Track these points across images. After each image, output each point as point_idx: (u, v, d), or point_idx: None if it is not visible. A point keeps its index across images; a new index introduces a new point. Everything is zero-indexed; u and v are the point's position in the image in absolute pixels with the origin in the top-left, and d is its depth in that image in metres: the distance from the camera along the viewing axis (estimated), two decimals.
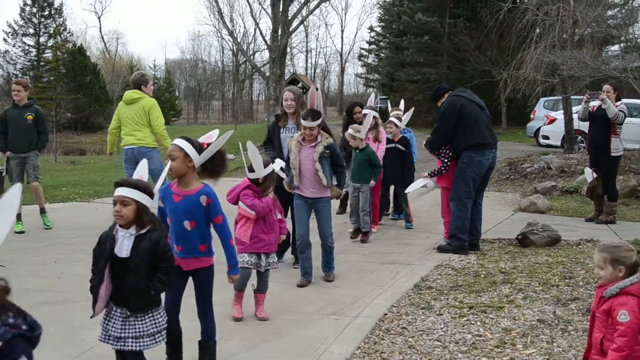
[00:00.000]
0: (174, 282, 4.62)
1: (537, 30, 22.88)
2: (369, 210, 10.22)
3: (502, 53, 32.14)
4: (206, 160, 4.87)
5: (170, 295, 4.99)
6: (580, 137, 22.27)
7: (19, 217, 10.80)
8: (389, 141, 11.29)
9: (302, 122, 7.63)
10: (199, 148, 4.86)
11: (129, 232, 4.30)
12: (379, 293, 7.37)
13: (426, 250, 9.59)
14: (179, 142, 4.82)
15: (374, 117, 10.82)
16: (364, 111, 11.31)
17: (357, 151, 10.19)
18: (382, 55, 58.41)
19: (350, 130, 10.32)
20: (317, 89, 8.16)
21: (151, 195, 4.43)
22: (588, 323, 6.11)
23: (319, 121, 7.63)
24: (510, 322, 6.32)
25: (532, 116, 28.36)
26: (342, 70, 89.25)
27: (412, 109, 12.76)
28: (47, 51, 62.16)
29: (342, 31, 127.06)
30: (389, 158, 11.17)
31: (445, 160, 9.51)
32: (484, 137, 9.41)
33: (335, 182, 7.98)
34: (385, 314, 6.61)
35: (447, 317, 6.49)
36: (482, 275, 8.07)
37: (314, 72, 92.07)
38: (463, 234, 9.39)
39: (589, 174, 12.23)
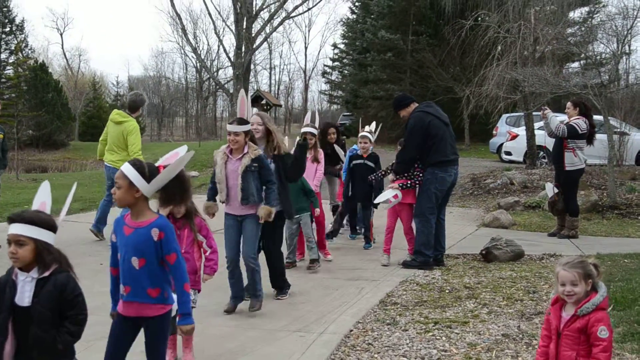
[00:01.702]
0: (116, 331, 4.32)
1: (499, 48, 23.10)
2: (313, 238, 9.55)
3: (464, 70, 32.48)
4: (160, 187, 4.30)
5: (110, 348, 4.37)
6: (542, 152, 22.50)
7: None
8: (357, 157, 11.03)
9: (227, 126, 7.05)
10: (150, 174, 4.24)
11: (29, 276, 3.75)
12: (344, 309, 7.36)
13: (391, 267, 9.59)
14: (125, 168, 4.26)
15: (313, 135, 10.20)
16: (304, 129, 10.32)
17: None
18: (346, 72, 58.73)
19: (364, 132, 11.06)
20: (245, 95, 7.52)
21: (53, 228, 3.90)
22: None
23: (246, 127, 7.00)
24: (476, 336, 6.34)
25: (494, 132, 28.62)
26: (306, 87, 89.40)
27: (380, 125, 12.63)
28: (8, 68, 61.43)
29: (306, 48, 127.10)
30: (358, 174, 10.85)
31: (417, 173, 9.53)
32: (448, 154, 9.47)
33: (266, 201, 7.10)
34: (351, 330, 6.60)
35: (412, 332, 6.49)
36: (447, 291, 8.09)
37: (278, 89, 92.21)
38: (427, 250, 9.42)
39: (550, 189, 12.36)
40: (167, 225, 4.30)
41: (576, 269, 4.06)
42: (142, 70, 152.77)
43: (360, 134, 11.24)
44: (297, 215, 9.22)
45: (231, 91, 32.01)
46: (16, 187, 22.63)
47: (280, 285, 8.05)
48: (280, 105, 74.74)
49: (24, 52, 61.11)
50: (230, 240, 7.22)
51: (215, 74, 70.71)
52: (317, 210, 9.65)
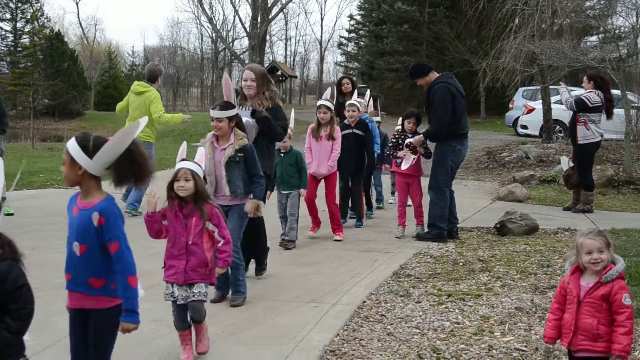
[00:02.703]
0: (70, 324, 4.00)
1: (517, 20, 22.90)
2: (297, 217, 9.10)
3: (481, 42, 32.18)
4: (111, 164, 3.84)
5: (70, 343, 4.07)
6: (558, 126, 22.37)
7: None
8: (345, 127, 10.18)
9: (210, 111, 6.48)
10: (95, 149, 3.79)
11: None
12: (357, 281, 7.37)
13: (405, 239, 9.60)
14: (69, 143, 3.86)
15: (328, 109, 9.54)
16: (319, 102, 9.79)
17: (282, 154, 8.95)
18: (362, 43, 58.49)
19: (352, 100, 10.40)
20: (229, 76, 6.89)
21: None
22: None
23: (230, 112, 6.39)
24: (489, 309, 6.35)
25: (510, 106, 28.45)
26: (322, 58, 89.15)
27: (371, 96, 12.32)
28: (24, 37, 61.49)
29: (322, 19, 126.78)
30: (346, 145, 9.90)
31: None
32: (464, 127, 9.49)
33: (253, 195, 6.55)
34: (364, 302, 6.61)
35: (425, 304, 6.50)
36: (461, 264, 8.09)
37: (294, 60, 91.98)
38: (442, 222, 9.41)
39: (565, 163, 12.35)
40: (111, 209, 3.84)
41: (600, 237, 4.06)
42: (157, 40, 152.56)
43: (347, 102, 10.44)
44: (287, 192, 9.02)
45: (247, 62, 31.92)
46: (32, 155, 22.79)
47: (259, 255, 7.58)
48: (296, 77, 74.59)
49: (39, 21, 61.08)
50: None
51: (231, 44, 70.50)
52: (303, 191, 9.09)
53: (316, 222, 9.84)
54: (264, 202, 6.71)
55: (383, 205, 12.34)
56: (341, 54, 70.06)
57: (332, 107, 9.69)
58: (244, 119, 6.77)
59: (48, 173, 16.36)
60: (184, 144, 5.49)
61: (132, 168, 3.86)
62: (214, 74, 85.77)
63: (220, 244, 5.20)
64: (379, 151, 11.02)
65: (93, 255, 3.84)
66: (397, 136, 9.82)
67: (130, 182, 3.97)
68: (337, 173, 9.84)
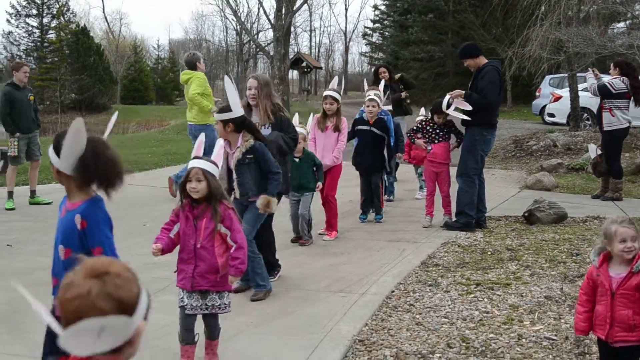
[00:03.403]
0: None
1: (543, 8, 22.69)
2: (309, 218, 8.91)
3: (507, 31, 31.96)
4: (77, 165, 3.55)
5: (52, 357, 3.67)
6: (586, 114, 22.19)
7: (10, 194, 11.09)
8: (362, 122, 9.90)
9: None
10: (60, 146, 3.57)
11: None
12: (385, 270, 7.37)
13: (432, 228, 9.58)
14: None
15: (335, 100, 9.16)
16: (326, 92, 9.46)
17: (297, 159, 8.56)
18: (387, 33, 58.12)
19: (371, 94, 9.95)
20: (231, 81, 6.36)
21: None
22: None
23: (227, 115, 6.13)
24: (518, 298, 6.32)
25: (537, 94, 28.22)
26: (347, 49, 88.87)
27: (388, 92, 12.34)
28: (50, 32, 62.01)
29: (346, 10, 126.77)
30: (362, 142, 9.86)
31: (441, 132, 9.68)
32: (497, 117, 9.55)
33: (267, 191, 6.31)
34: (393, 291, 6.62)
35: (454, 294, 6.49)
36: (489, 253, 8.06)
37: (318, 51, 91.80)
38: (471, 210, 9.38)
39: (593, 150, 12.27)
40: (93, 212, 3.59)
41: (632, 225, 4.04)
42: (182, 33, 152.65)
43: (367, 97, 10.00)
44: (299, 193, 8.71)
45: (271, 53, 31.89)
46: None
47: (271, 262, 7.25)
48: (321, 68, 74.45)
49: (65, 16, 61.60)
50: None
51: (256, 36, 70.45)
52: (319, 184, 8.80)
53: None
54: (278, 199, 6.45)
55: (393, 197, 12.02)
56: (366, 45, 69.56)
57: (339, 98, 9.30)
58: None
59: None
60: (202, 138, 5.23)
61: (95, 169, 3.55)
62: (239, 66, 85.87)
63: (232, 250, 4.80)
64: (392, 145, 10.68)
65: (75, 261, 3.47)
66: (423, 124, 9.80)
67: (93, 183, 3.62)
68: (341, 166, 9.35)
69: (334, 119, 9.17)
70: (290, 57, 43.35)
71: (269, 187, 6.27)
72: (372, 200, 10.18)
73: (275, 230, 7.49)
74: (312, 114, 9.78)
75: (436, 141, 9.63)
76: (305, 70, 55.35)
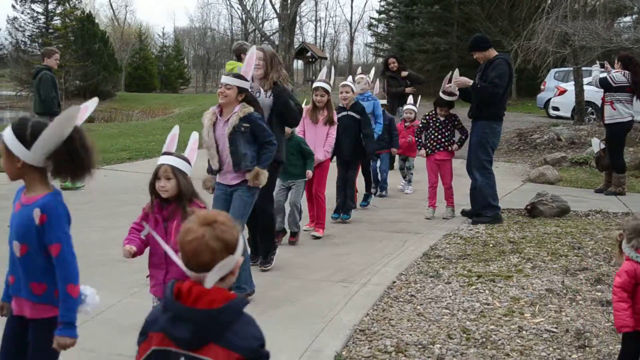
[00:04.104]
0: (5, 329, 3.54)
1: (549, 0, 22.66)
2: (300, 207, 8.52)
3: (513, 23, 31.87)
4: (50, 154, 3.32)
5: (3, 351, 3.57)
6: (590, 108, 22.17)
7: None
8: (340, 109, 9.36)
9: (222, 77, 6.11)
10: (33, 137, 3.29)
11: None
12: (387, 261, 7.39)
13: (435, 220, 9.59)
14: (5, 131, 3.37)
15: (326, 92, 8.80)
16: (316, 84, 9.01)
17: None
18: (392, 24, 57.98)
19: (346, 81, 9.62)
20: (254, 47, 6.41)
21: None
22: (597, 293, 6.15)
23: (241, 82, 5.98)
24: (519, 291, 6.34)
25: (542, 87, 28.18)
26: (352, 39, 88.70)
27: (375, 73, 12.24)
28: (55, 18, 61.83)
29: (352, 0, 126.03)
30: (342, 128, 9.14)
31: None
32: (505, 109, 9.56)
33: (258, 162, 6.11)
34: (394, 282, 6.63)
35: (455, 285, 6.50)
36: (491, 245, 8.07)
37: (323, 41, 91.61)
38: (495, 201, 9.44)
39: (596, 144, 12.28)
40: (54, 206, 3.37)
41: None
42: (187, 21, 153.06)
43: (341, 83, 9.59)
44: (289, 181, 8.42)
45: (276, 43, 31.92)
46: None
47: (267, 249, 7.16)
48: (326, 58, 74.31)
49: (71, 2, 61.44)
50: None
51: (261, 25, 70.47)
52: (310, 172, 8.41)
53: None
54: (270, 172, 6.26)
55: (386, 193, 11.76)
56: (371, 35, 69.39)
57: (330, 89, 8.93)
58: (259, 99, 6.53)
59: None
60: (175, 130, 4.82)
61: (72, 159, 3.37)
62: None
63: None
64: (379, 132, 10.50)
65: (34, 258, 3.36)
66: (428, 119, 9.79)
67: (68, 173, 3.44)
68: (330, 161, 9.05)
69: (325, 111, 8.82)
70: (295, 46, 43.35)
71: (261, 157, 6.08)
72: (346, 193, 9.55)
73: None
74: (304, 102, 9.53)
75: (446, 147, 9.63)
76: (310, 60, 55.27)
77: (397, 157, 12.48)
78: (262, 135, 6.05)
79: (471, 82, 9.34)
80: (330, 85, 9.06)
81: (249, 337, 2.50)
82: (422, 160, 10.34)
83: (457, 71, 9.62)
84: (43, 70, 11.37)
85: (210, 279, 2.45)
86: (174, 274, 4.25)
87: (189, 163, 4.49)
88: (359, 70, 12.29)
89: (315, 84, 8.97)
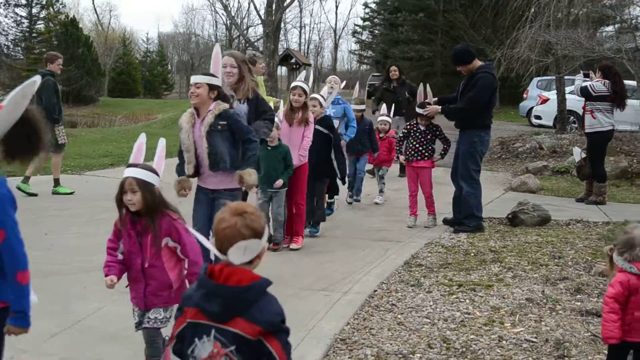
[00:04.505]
0: None
1: (532, 9, 22.76)
2: (283, 217, 8.40)
3: (496, 32, 32.05)
4: (4, 136, 3.19)
5: None
6: (573, 117, 22.29)
7: (57, 182, 11.63)
8: None
9: (191, 78, 5.89)
10: None
11: None
12: (369, 269, 7.39)
13: (416, 228, 9.61)
14: None
15: (303, 92, 8.46)
16: (294, 83, 8.70)
17: (269, 148, 8.02)
18: (376, 32, 58.29)
19: (314, 94, 9.20)
20: (220, 52, 6.21)
21: None
22: (577, 303, 6.18)
23: (210, 80, 5.78)
24: (499, 300, 6.36)
25: (525, 96, 28.33)
26: (336, 46, 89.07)
27: (343, 83, 12.01)
28: (39, 22, 61.64)
29: (337, 7, 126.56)
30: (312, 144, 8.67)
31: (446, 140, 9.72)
32: (491, 117, 9.56)
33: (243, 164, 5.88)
34: (375, 291, 6.64)
35: (436, 294, 6.51)
36: (472, 254, 8.09)
37: (308, 47, 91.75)
38: (479, 212, 9.45)
39: (577, 154, 12.35)
40: None
41: None
42: (172, 26, 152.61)
43: (310, 95, 8.96)
44: (272, 190, 8.18)
45: (261, 49, 31.91)
46: None
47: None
48: (310, 65, 74.43)
49: (55, 6, 61.27)
50: (197, 220, 6.04)
51: (246, 31, 70.42)
52: (280, 182, 8.10)
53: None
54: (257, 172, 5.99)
55: (360, 198, 11.71)
56: (355, 42, 69.76)
57: (308, 90, 8.65)
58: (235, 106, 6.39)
59: (62, 159, 16.39)
60: (142, 138, 4.62)
61: (26, 139, 3.26)
62: None
63: (186, 265, 4.31)
64: (352, 135, 10.58)
65: None
66: (408, 128, 9.80)
67: (22, 156, 3.32)
68: (307, 166, 8.66)
69: (301, 112, 8.46)
70: (280, 53, 43.35)
71: (245, 157, 5.85)
72: (314, 210, 9.10)
73: None
74: (281, 101, 9.49)
75: (424, 157, 9.62)
76: (294, 66, 55.30)
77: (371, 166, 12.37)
78: (240, 132, 5.86)
79: (439, 108, 9.41)
80: (308, 86, 8.84)
81: (271, 313, 2.82)
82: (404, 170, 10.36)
83: (422, 86, 9.78)
84: (47, 75, 11.31)
85: (234, 255, 2.78)
86: (153, 288, 4.26)
87: (156, 173, 4.34)
88: (357, 87, 12.52)
89: (293, 84, 8.68)
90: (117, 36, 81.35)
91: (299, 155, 8.41)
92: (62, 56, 12.34)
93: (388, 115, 12.21)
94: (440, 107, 9.43)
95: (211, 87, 5.76)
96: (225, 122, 5.73)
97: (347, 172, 10.11)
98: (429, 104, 9.54)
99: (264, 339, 2.76)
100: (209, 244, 2.92)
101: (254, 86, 6.91)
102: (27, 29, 62.54)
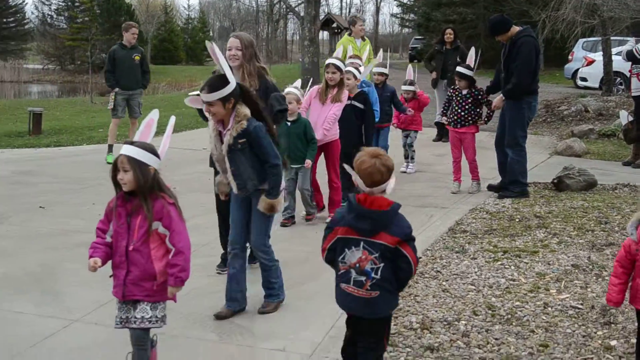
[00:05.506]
0: None
1: None
2: (311, 191, 8.22)
3: None
4: None
5: None
6: (619, 79, 21.94)
7: (110, 148, 11.92)
8: None
9: (200, 95, 5.14)
10: None
11: None
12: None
13: (460, 194, 9.58)
14: None
15: (338, 69, 8.24)
16: (329, 60, 8.47)
17: (289, 124, 7.77)
18: None
19: (348, 65, 8.75)
20: (212, 43, 5.34)
21: None
22: None
23: (222, 92, 4.98)
24: (545, 266, 6.34)
25: (570, 57, 27.94)
26: (377, 9, 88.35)
27: (377, 59, 11.52)
28: None
29: None
30: (344, 118, 8.45)
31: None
32: (538, 82, 9.44)
33: (267, 186, 5.26)
34: (420, 258, 6.63)
35: (481, 261, 6.51)
36: (517, 220, 8.06)
37: (349, 11, 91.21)
38: (524, 178, 9.40)
39: (624, 117, 12.19)
40: None
41: None
42: None
43: (346, 68, 8.58)
44: (296, 166, 7.96)
45: (302, 14, 31.74)
46: (90, 110, 23.16)
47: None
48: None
49: None
50: (233, 219, 5.52)
51: None
52: (309, 162, 7.98)
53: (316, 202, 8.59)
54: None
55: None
56: (397, 6, 68.95)
57: (343, 68, 8.37)
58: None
59: (107, 128, 16.54)
60: (153, 115, 4.44)
61: None
62: (269, 27, 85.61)
63: (171, 254, 4.03)
64: (377, 119, 9.29)
65: None
66: (451, 93, 9.74)
67: None
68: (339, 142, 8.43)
69: (336, 90, 8.27)
70: (321, 17, 43.12)
71: (269, 185, 5.23)
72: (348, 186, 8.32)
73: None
74: (309, 86, 9.13)
75: (467, 122, 9.58)
76: (336, 31, 55.00)
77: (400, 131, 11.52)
78: (261, 153, 5.17)
79: (502, 97, 9.29)
80: (344, 63, 8.57)
81: (404, 227, 3.83)
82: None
83: (472, 50, 9.67)
84: (116, 44, 12.38)
85: (389, 188, 3.88)
86: (134, 276, 3.97)
87: (154, 153, 4.13)
88: (380, 53, 12.12)
89: (328, 60, 8.46)
90: (159, 4, 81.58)
91: (323, 129, 8.15)
92: (136, 25, 12.81)
93: (413, 83, 11.32)
94: (502, 96, 9.28)
95: (225, 99, 5.01)
96: (244, 140, 5.07)
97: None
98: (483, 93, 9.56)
99: (399, 247, 3.76)
100: (355, 176, 3.81)
101: (261, 73, 6.24)
102: None
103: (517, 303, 5.45)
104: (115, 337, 4.49)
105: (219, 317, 5.29)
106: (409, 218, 3.96)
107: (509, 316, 5.20)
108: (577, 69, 25.93)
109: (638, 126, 11.71)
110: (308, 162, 7.96)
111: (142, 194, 3.97)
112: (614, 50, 21.10)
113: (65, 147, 13.41)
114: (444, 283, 5.95)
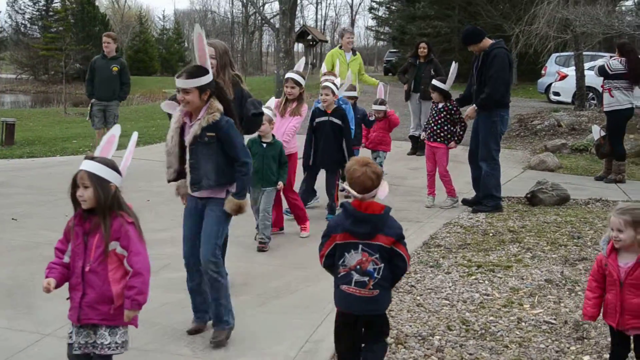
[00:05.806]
0: None
1: None
2: (270, 215, 7.73)
3: (514, 7, 31.76)
4: None
5: None
6: (592, 93, 22.14)
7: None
8: (321, 113, 8.74)
9: (176, 81, 4.86)
10: None
11: None
12: None
13: (434, 208, 9.60)
14: None
15: (296, 84, 8.33)
16: (288, 75, 8.51)
17: (264, 145, 7.63)
18: (393, 7, 57.86)
19: (326, 81, 8.82)
20: (202, 33, 5.00)
21: None
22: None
23: (201, 81, 4.79)
24: (518, 281, 6.37)
25: (543, 72, 28.14)
26: (353, 22, 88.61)
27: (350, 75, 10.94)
28: (55, 1, 61.80)
29: None
30: (323, 134, 8.66)
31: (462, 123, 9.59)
32: (509, 95, 9.51)
33: (234, 189, 4.99)
34: None
35: (455, 275, 6.53)
36: (491, 234, 8.10)
37: (324, 24, 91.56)
38: (498, 192, 9.44)
39: (596, 131, 12.30)
40: None
41: (624, 215, 4.02)
42: (188, 4, 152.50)
43: (322, 83, 8.88)
44: (262, 187, 7.69)
45: (277, 26, 31.77)
46: (64, 121, 22.97)
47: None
48: (326, 41, 74.18)
49: None
50: (186, 231, 5.17)
51: (262, 8, 70.25)
52: (281, 184, 7.80)
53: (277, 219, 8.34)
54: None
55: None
56: (372, 18, 69.33)
57: (302, 82, 8.40)
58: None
59: (81, 139, 16.49)
60: (114, 131, 4.30)
61: None
62: (244, 38, 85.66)
63: (129, 276, 3.82)
64: (352, 137, 9.18)
65: None
66: (431, 107, 9.80)
67: None
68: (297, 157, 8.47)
69: (295, 104, 8.35)
70: (296, 29, 43.21)
71: (237, 184, 4.97)
72: (330, 196, 8.93)
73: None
74: (272, 98, 9.02)
75: (439, 137, 9.59)
76: (311, 43, 55.20)
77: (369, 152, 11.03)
78: (231, 149, 4.92)
79: (475, 107, 9.34)
80: (304, 78, 8.49)
81: (396, 227, 4.13)
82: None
83: (454, 65, 9.69)
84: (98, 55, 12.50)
85: (382, 193, 4.15)
86: (90, 298, 3.77)
87: (116, 170, 3.96)
88: (323, 67, 11.97)
89: (287, 75, 8.48)
90: (134, 14, 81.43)
91: (283, 141, 7.99)
92: (106, 34, 12.87)
93: (384, 103, 10.80)
94: (475, 106, 9.33)
95: (202, 89, 4.80)
96: (213, 134, 4.81)
97: None
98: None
99: (394, 246, 4.07)
100: (347, 187, 4.13)
101: (236, 81, 6.01)
102: (44, 8, 62.75)
103: (491, 318, 5.47)
104: None
105: (190, 332, 5.17)
106: None
107: (483, 331, 5.22)
108: (550, 84, 26.12)
109: (610, 141, 11.81)
110: (280, 184, 7.80)
111: (101, 212, 3.79)
112: (587, 65, 21.30)
113: (39, 158, 13.28)
114: (418, 297, 5.96)
